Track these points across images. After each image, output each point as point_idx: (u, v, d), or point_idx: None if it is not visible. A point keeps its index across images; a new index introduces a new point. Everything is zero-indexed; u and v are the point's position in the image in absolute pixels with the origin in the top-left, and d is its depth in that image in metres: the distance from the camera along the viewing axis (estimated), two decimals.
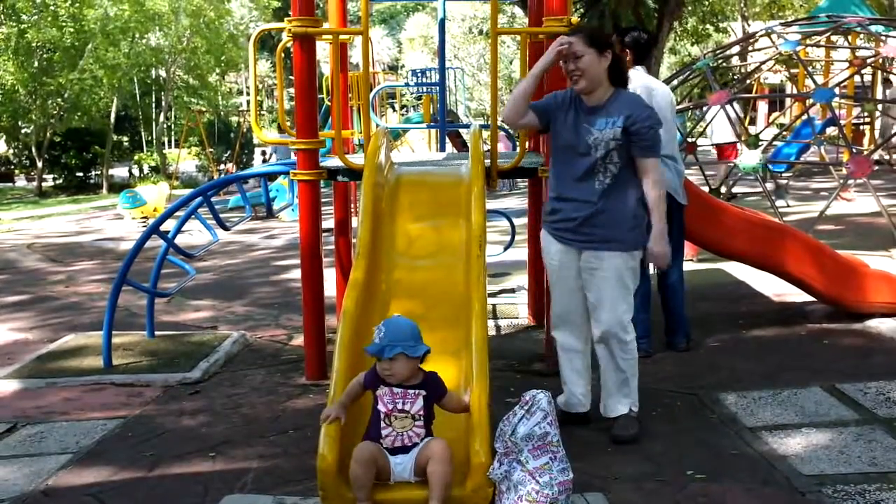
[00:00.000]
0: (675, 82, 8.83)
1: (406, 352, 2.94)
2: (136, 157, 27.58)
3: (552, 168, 3.87)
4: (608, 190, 3.65)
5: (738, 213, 5.39)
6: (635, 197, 3.69)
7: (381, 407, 2.99)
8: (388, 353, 2.93)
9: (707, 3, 23.08)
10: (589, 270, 3.73)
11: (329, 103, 9.34)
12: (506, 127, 13.01)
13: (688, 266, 5.75)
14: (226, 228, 5.88)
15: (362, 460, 2.88)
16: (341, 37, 5.44)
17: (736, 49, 10.54)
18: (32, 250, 11.18)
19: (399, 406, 2.98)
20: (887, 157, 12.59)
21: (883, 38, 8.68)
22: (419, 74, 12.90)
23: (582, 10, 14.93)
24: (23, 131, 24.31)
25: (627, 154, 3.64)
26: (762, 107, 26.89)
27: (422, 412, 2.99)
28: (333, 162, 4.93)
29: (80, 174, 24.67)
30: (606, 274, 3.69)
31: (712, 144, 12.29)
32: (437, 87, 7.55)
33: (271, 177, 12.01)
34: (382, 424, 2.98)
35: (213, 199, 5.66)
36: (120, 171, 27.28)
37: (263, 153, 17.01)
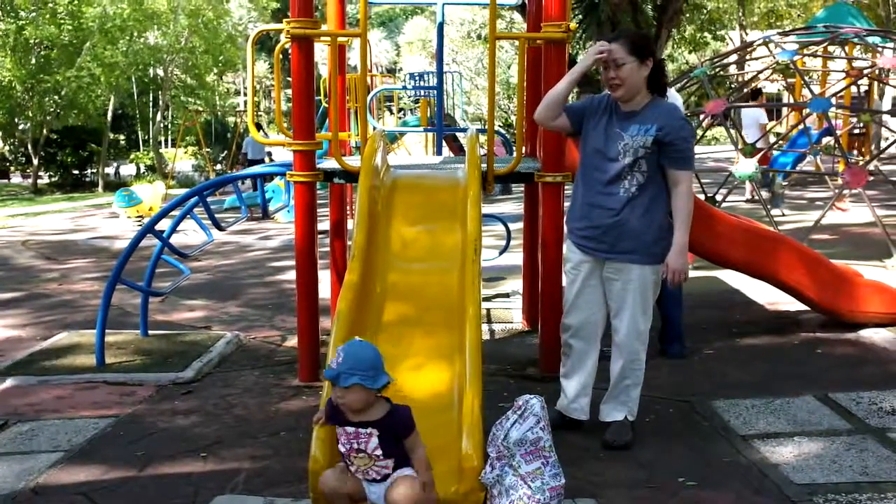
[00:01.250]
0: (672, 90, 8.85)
1: (363, 382, 2.75)
2: (131, 156, 27.54)
3: (580, 172, 3.81)
4: (633, 199, 3.60)
5: (733, 222, 5.39)
6: (662, 209, 3.65)
7: (340, 447, 2.88)
8: (344, 381, 2.74)
9: (705, 11, 23.17)
10: (611, 281, 3.72)
11: (326, 105, 9.34)
12: (502, 132, 13.01)
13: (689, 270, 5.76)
14: (221, 229, 5.87)
15: (326, 488, 2.86)
16: (339, 39, 5.45)
17: (733, 58, 10.58)
18: (27, 247, 11.15)
19: (354, 446, 2.83)
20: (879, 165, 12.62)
21: (879, 49, 8.72)
22: (417, 78, 12.91)
23: (580, 16, 14.95)
24: (19, 128, 24.27)
25: (656, 163, 3.59)
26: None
27: (379, 451, 2.81)
28: (330, 164, 4.93)
29: (76, 172, 24.63)
30: (629, 286, 3.67)
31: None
32: (435, 91, 7.56)
33: (267, 177, 12.00)
34: (346, 462, 2.89)
35: (209, 199, 5.65)
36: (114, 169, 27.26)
37: (269, 154, 17.07)
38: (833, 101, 8.46)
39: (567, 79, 3.76)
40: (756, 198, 10.99)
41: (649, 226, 3.63)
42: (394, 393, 3.37)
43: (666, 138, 3.54)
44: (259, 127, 18.45)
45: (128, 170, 27.48)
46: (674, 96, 4.82)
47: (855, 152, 15.30)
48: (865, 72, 9.69)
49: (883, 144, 15.15)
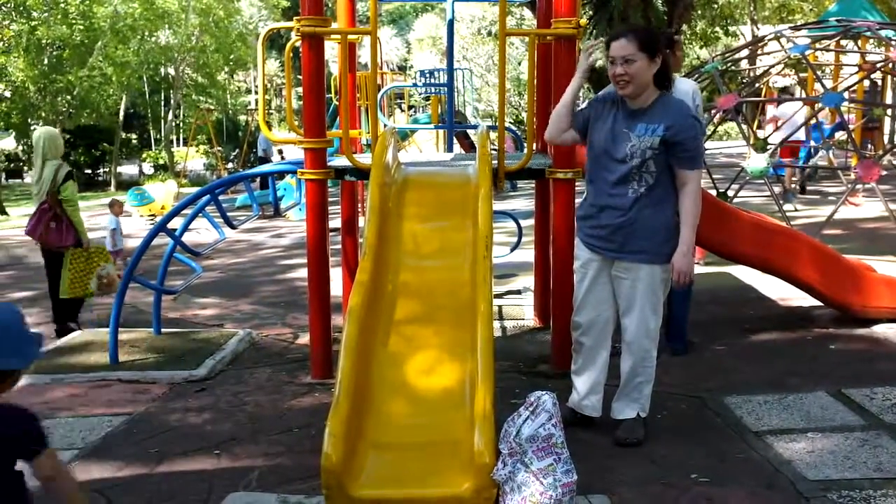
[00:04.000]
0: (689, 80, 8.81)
1: None
2: (143, 155, 27.69)
3: (588, 172, 3.79)
4: (642, 199, 3.57)
5: (745, 217, 5.37)
6: (671, 208, 3.61)
7: None
8: None
9: (716, 6, 23.06)
10: (620, 279, 3.70)
11: (337, 103, 9.34)
12: (513, 128, 12.99)
13: (695, 269, 5.75)
14: (233, 227, 5.90)
15: None
16: (350, 36, 5.46)
17: (745, 52, 10.51)
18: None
19: None
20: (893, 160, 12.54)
21: (893, 42, 8.64)
22: (427, 75, 12.90)
23: (591, 12, 14.91)
24: (32, 128, 24.42)
25: (665, 163, 3.55)
26: (770, 110, 26.84)
27: None
28: (341, 161, 4.94)
29: (89, 171, 24.77)
30: (638, 285, 3.65)
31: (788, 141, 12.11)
32: (445, 88, 7.55)
33: (279, 175, 12.05)
34: None
35: (221, 197, 5.68)
36: (125, 169, 27.35)
37: (279, 151, 17.24)
38: (846, 95, 8.40)
39: (568, 92, 3.77)
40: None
41: (658, 225, 3.60)
42: (405, 391, 3.37)
43: (674, 138, 3.50)
44: (269, 126, 18.57)
45: (140, 168, 27.61)
46: (684, 90, 4.77)
47: (869, 146, 15.19)
48: (878, 66, 9.61)
49: None
